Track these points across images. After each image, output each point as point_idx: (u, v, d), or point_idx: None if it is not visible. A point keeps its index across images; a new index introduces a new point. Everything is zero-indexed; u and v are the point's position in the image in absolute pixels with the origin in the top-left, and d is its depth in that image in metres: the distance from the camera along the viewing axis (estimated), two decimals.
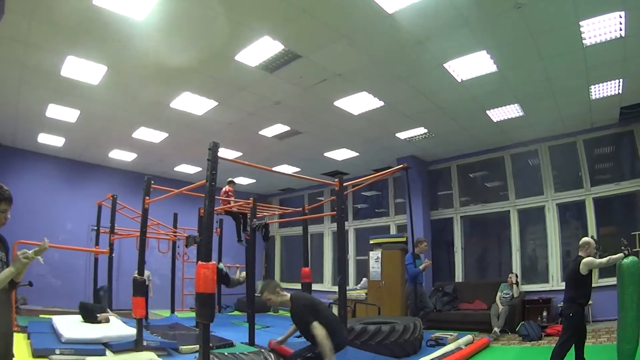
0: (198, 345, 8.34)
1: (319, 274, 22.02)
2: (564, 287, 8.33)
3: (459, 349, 10.38)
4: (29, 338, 10.20)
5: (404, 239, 16.56)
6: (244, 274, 15.99)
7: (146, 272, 14.55)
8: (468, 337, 11.49)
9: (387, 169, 15.32)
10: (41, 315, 13.30)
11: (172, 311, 17.06)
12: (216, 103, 12.68)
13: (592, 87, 11.56)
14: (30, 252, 4.21)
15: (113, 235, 14.51)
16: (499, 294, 13.69)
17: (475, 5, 8.15)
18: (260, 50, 9.74)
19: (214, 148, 7.90)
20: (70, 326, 10.88)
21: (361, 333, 10.02)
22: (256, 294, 11.91)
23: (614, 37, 9.00)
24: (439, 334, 11.94)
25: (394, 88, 11.78)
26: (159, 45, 9.55)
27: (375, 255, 16.78)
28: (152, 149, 16.99)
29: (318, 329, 6.54)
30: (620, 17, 8.36)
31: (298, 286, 13.50)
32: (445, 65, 10.40)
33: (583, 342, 7.94)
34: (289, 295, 6.90)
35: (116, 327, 11.28)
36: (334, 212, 11.35)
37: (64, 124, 14.16)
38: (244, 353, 9.25)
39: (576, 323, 7.75)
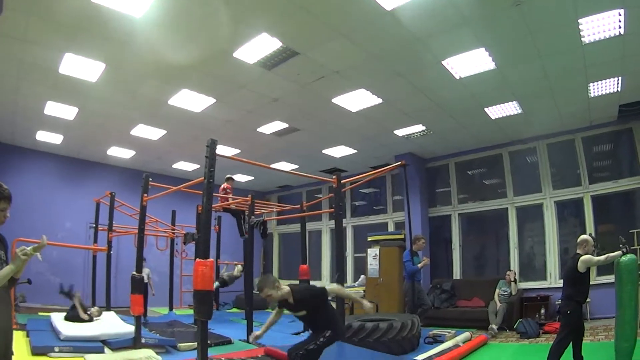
0: (196, 343, 8.37)
1: (317, 271, 22.04)
2: (561, 285, 8.36)
3: (456, 346, 10.40)
4: (28, 336, 10.24)
5: (402, 236, 16.61)
6: (239, 267, 16.04)
7: (146, 270, 14.63)
8: (466, 334, 11.49)
9: (385, 166, 15.29)
10: (40, 313, 13.31)
11: (171, 308, 17.07)
12: (214, 100, 12.67)
13: (591, 84, 11.57)
14: (29, 248, 4.25)
15: (111, 232, 14.50)
16: (497, 291, 13.69)
17: (474, 2, 8.16)
18: (258, 47, 9.74)
19: (212, 145, 7.89)
20: (69, 324, 10.90)
21: (359, 330, 10.03)
22: (254, 292, 11.89)
23: (613, 35, 9.01)
24: (436, 331, 11.96)
25: (392, 85, 11.78)
26: (157, 43, 9.55)
27: (373, 253, 16.80)
28: (151, 146, 17.00)
29: (333, 285, 7.03)
30: (620, 14, 8.36)
31: (296, 283, 13.53)
32: (443, 62, 10.40)
33: (581, 340, 7.94)
34: (287, 287, 6.58)
35: (114, 325, 11.28)
36: (332, 209, 11.34)
37: (62, 121, 14.17)
38: None
39: (574, 321, 7.75)
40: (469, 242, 17.93)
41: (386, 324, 10.06)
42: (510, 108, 13.12)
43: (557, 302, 12.11)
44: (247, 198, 13.25)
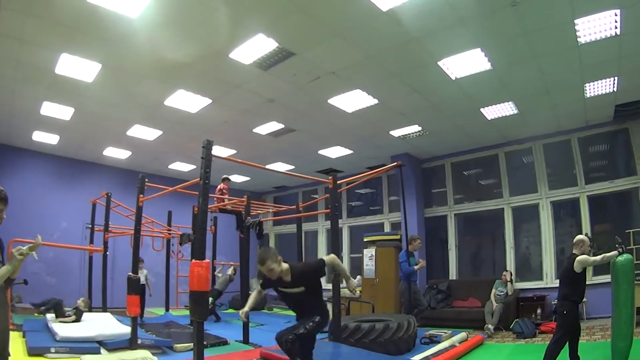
0: (192, 344, 8.36)
1: None
2: (558, 285, 8.34)
3: (453, 346, 10.39)
4: (24, 336, 10.23)
5: (398, 237, 16.57)
6: (230, 270, 16.05)
7: (144, 272, 14.65)
8: (462, 334, 11.48)
9: (381, 166, 15.26)
10: (36, 314, 13.29)
11: (167, 309, 17.11)
12: (210, 101, 12.68)
13: (587, 85, 11.59)
14: (24, 248, 4.29)
15: (107, 233, 14.50)
16: (493, 291, 13.67)
17: (470, 3, 8.16)
18: (254, 47, 9.75)
19: (208, 146, 7.90)
20: (65, 324, 10.90)
21: (355, 331, 10.02)
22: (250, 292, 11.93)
23: (609, 35, 9.03)
24: (433, 331, 11.92)
25: (388, 86, 11.79)
26: (153, 43, 9.56)
27: (369, 253, 16.79)
28: (147, 146, 17.00)
29: (330, 256, 6.74)
30: (616, 15, 8.37)
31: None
32: (439, 63, 10.42)
33: (577, 340, 7.95)
34: (286, 264, 6.46)
35: (111, 325, 11.27)
36: (328, 210, 11.34)
37: (58, 121, 14.16)
38: None
39: (570, 320, 7.75)
40: (465, 243, 17.98)
41: (382, 325, 10.04)
42: (506, 108, 13.14)
43: (553, 302, 12.14)
44: (243, 199, 13.25)
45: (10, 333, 4.68)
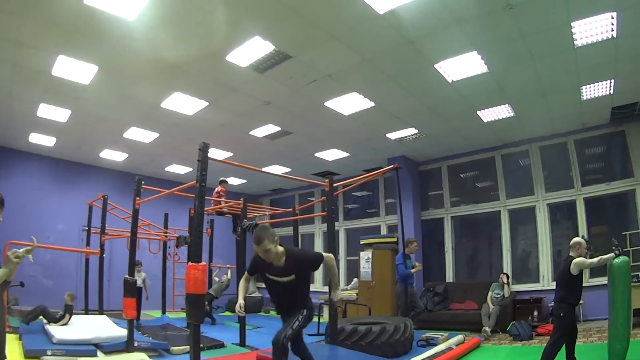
0: (189, 346, 8.36)
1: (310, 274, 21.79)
2: (554, 287, 8.36)
3: (449, 349, 10.37)
4: (20, 339, 10.23)
5: (395, 239, 16.56)
6: (224, 277, 16.07)
7: (142, 275, 14.68)
8: (459, 337, 11.47)
9: (377, 169, 15.33)
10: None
11: (163, 312, 17.13)
12: (207, 103, 12.69)
13: (584, 87, 11.60)
14: (20, 251, 4.30)
15: (104, 235, 14.51)
16: (489, 293, 13.69)
17: (466, 6, 8.16)
18: (251, 50, 9.76)
19: (204, 149, 7.93)
20: (61, 327, 10.90)
21: (352, 333, 10.04)
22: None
23: (605, 38, 9.04)
24: (429, 334, 11.96)
25: (384, 89, 11.81)
26: (150, 45, 9.55)
27: (366, 256, 16.79)
28: (143, 149, 17.00)
29: (331, 256, 6.35)
30: (612, 17, 8.38)
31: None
32: (436, 66, 10.43)
33: (574, 342, 7.97)
34: (281, 247, 5.96)
35: (107, 328, 11.27)
36: (325, 213, 11.34)
37: (55, 123, 14.15)
38: None
39: (567, 323, 7.76)
40: (461, 245, 17.96)
41: (379, 327, 10.07)
42: (502, 111, 13.16)
43: (550, 304, 12.14)
44: (240, 201, 13.25)
45: (6, 335, 4.69)
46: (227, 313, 19.65)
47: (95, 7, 8.06)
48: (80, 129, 14.98)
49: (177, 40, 9.41)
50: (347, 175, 18.77)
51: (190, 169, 19.62)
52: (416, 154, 17.66)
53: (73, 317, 11.95)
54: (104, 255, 14.76)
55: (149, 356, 9.30)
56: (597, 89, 11.71)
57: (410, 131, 14.98)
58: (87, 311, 14.65)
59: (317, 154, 17.72)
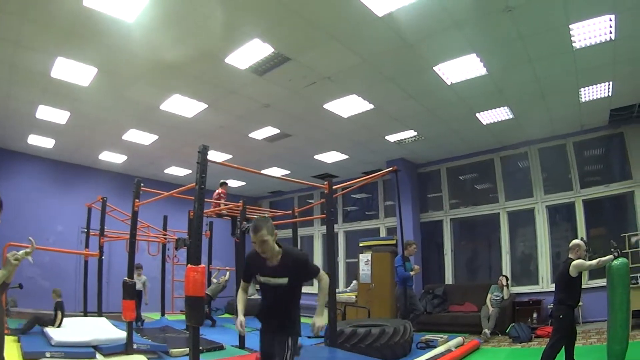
0: (188, 349, 8.36)
1: None
2: (554, 289, 8.38)
3: (449, 351, 10.40)
4: (19, 341, 10.21)
5: (394, 242, 16.59)
6: (222, 278, 16.08)
7: (142, 278, 14.68)
8: (458, 339, 11.48)
9: (377, 171, 15.34)
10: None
11: (163, 314, 17.13)
12: (206, 105, 12.69)
13: (582, 89, 11.60)
14: (20, 253, 4.30)
15: (103, 237, 14.49)
16: (489, 295, 13.71)
17: (465, 8, 8.17)
18: (250, 52, 9.77)
19: (204, 151, 7.93)
20: (60, 329, 10.89)
21: (351, 336, 10.04)
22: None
23: (603, 40, 9.04)
24: (429, 336, 11.94)
25: (383, 91, 11.82)
26: (149, 48, 9.56)
27: (365, 258, 16.80)
28: (142, 151, 17.01)
29: (327, 279, 5.74)
30: (611, 20, 8.38)
31: None
32: (435, 68, 10.43)
33: (573, 344, 7.98)
34: (279, 247, 5.47)
35: (106, 330, 11.26)
36: (324, 215, 11.34)
37: (54, 125, 14.16)
38: None
39: (566, 325, 7.78)
40: (460, 247, 17.97)
41: (378, 330, 10.07)
42: (501, 113, 13.17)
43: (549, 306, 12.14)
44: (239, 204, 13.24)
45: (5, 338, 4.69)
46: (227, 315, 19.62)
47: (95, 9, 8.06)
48: (80, 131, 14.99)
49: (176, 42, 9.41)
50: (346, 177, 18.90)
51: (189, 171, 19.60)
52: (415, 156, 17.66)
53: (72, 319, 11.95)
54: (103, 258, 14.73)
55: (148, 358, 9.37)
56: (596, 91, 11.71)
57: (410, 133, 14.99)
58: (86, 313, 14.65)
59: (316, 156, 17.73)
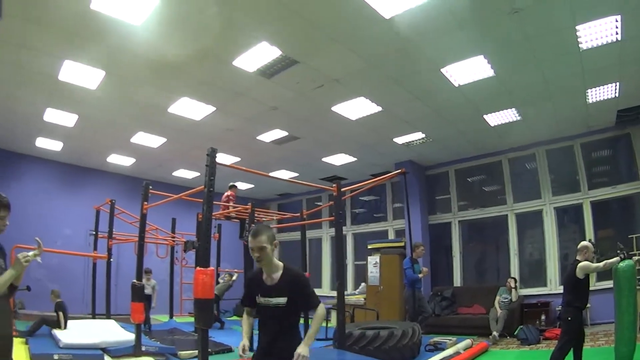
0: (196, 351, 8.37)
1: (318, 279, 22.25)
2: (562, 291, 8.36)
3: (457, 353, 10.39)
4: (27, 343, 10.23)
5: (403, 244, 16.58)
6: (227, 276, 16.07)
7: (152, 282, 14.70)
8: (467, 341, 11.48)
9: (385, 173, 15.31)
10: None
11: (171, 316, 17.17)
12: (214, 108, 12.73)
13: (589, 90, 11.59)
14: (30, 254, 4.32)
15: (111, 240, 14.53)
16: (497, 298, 13.66)
17: (471, 10, 8.18)
18: (258, 55, 9.80)
19: (212, 154, 7.92)
20: (68, 331, 10.90)
21: (360, 338, 10.01)
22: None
23: (610, 41, 9.04)
24: (437, 338, 11.91)
25: (391, 93, 11.83)
26: (156, 50, 9.58)
27: (373, 260, 16.77)
28: (151, 153, 17.07)
29: (324, 312, 5.08)
30: (616, 21, 8.38)
31: None
32: (442, 70, 10.44)
33: (581, 345, 7.97)
34: (279, 261, 5.14)
35: (114, 332, 11.27)
36: (333, 218, 11.32)
37: (62, 128, 14.22)
38: None
39: (575, 327, 7.77)
40: (469, 249, 17.94)
41: (387, 332, 10.05)
42: (509, 115, 13.15)
43: (557, 309, 12.14)
44: (247, 206, 13.24)
45: (13, 340, 4.71)
46: (235, 317, 19.62)
47: (102, 12, 8.09)
48: (88, 134, 15.04)
49: (184, 45, 9.43)
50: (355, 179, 18.85)
51: (197, 174, 19.67)
52: (423, 158, 17.67)
53: (80, 321, 11.98)
54: (112, 260, 14.77)
55: None
56: (603, 92, 11.70)
57: (418, 135, 15.00)
58: (94, 315, 14.67)
59: (324, 159, 17.76)
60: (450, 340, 11.58)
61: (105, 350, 9.81)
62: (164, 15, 8.30)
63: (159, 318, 16.97)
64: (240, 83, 11.19)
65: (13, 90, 11.63)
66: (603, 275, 12.30)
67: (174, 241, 17.45)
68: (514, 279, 14.28)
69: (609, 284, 10.26)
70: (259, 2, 8.06)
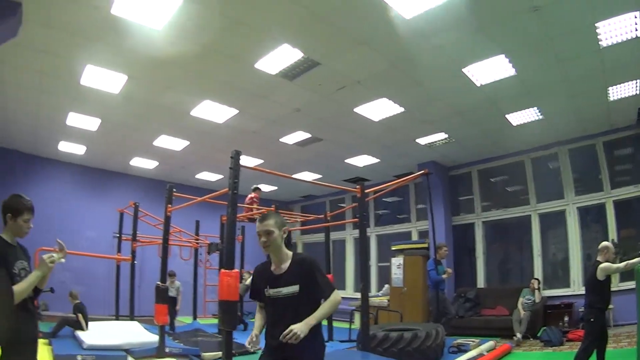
0: (220, 352, 8.41)
1: (341, 281, 22.23)
2: (584, 292, 8.32)
3: (480, 355, 10.37)
4: (50, 344, 10.30)
5: (426, 245, 16.51)
6: (245, 274, 16.11)
7: (177, 284, 14.78)
8: (490, 343, 11.49)
9: (408, 174, 15.29)
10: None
11: (195, 318, 17.27)
12: (237, 111, 12.79)
13: (610, 88, 11.51)
14: (55, 256, 4.37)
15: (135, 242, 14.64)
16: (520, 299, 13.60)
17: (492, 9, 8.20)
18: (279, 58, 9.84)
19: (236, 156, 7.95)
20: (92, 332, 10.96)
21: (383, 340, 10.00)
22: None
23: (630, 38, 8.98)
24: (461, 340, 11.90)
25: (413, 94, 11.84)
26: (178, 54, 9.65)
27: (397, 262, 16.71)
28: (174, 156, 17.19)
29: (339, 298, 4.51)
30: (636, 17, 8.34)
31: None
32: (464, 70, 10.43)
33: (604, 347, 7.92)
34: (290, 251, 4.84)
35: (138, 334, 11.33)
36: (356, 219, 11.32)
37: (84, 132, 14.34)
38: None
39: (597, 328, 7.73)
40: (492, 250, 17.87)
41: (410, 334, 10.02)
42: (530, 114, 13.11)
43: (580, 310, 12.08)
44: (271, 208, 13.25)
45: (39, 341, 4.78)
46: None
47: (122, 17, 8.17)
48: (111, 137, 15.18)
49: (206, 49, 9.49)
50: (378, 181, 18.84)
51: (221, 176, 19.80)
52: (446, 159, 17.65)
53: (104, 322, 12.06)
54: (135, 262, 14.90)
55: None
56: (624, 90, 11.61)
57: (440, 136, 14.99)
58: (117, 317, 14.77)
59: (347, 160, 17.78)
60: (473, 342, 11.56)
61: (128, 351, 9.88)
62: (184, 19, 8.36)
63: (182, 320, 17.07)
64: (262, 85, 11.23)
65: (36, 95, 11.74)
66: (626, 275, 12.20)
67: (197, 243, 17.58)
68: (537, 279, 14.18)
69: (632, 284, 10.20)
70: (280, 5, 8.10)
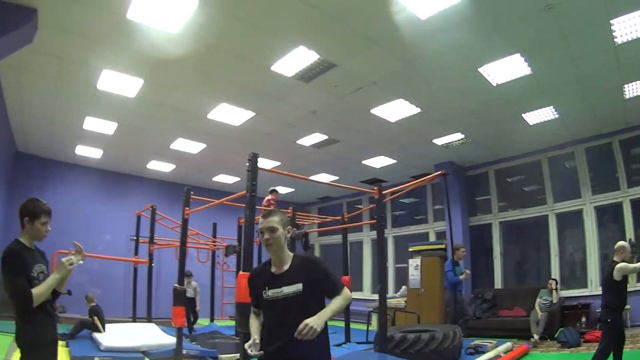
0: (237, 354, 8.42)
1: (359, 282, 22.15)
2: (601, 292, 8.29)
3: (498, 356, 10.35)
4: (67, 346, 10.36)
5: (443, 246, 16.42)
6: None
7: (193, 284, 14.82)
8: (507, 344, 11.45)
9: (424, 175, 15.29)
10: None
11: (212, 320, 17.34)
12: (253, 113, 12.82)
13: (626, 86, 11.45)
14: (73, 258, 4.42)
15: (152, 245, 14.70)
16: (538, 300, 13.57)
17: (506, 8, 8.20)
18: (295, 60, 9.86)
19: (254, 159, 7.95)
20: (109, 334, 11.01)
21: (401, 341, 10.00)
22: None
23: None
24: (478, 341, 11.84)
25: (429, 94, 11.84)
26: (194, 57, 9.71)
27: (414, 263, 16.66)
28: (191, 159, 17.24)
29: (349, 295, 4.25)
30: None
31: None
32: (480, 69, 10.42)
33: (621, 348, 7.88)
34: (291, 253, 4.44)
35: (155, 336, 11.37)
36: (374, 221, 11.30)
37: (101, 136, 14.44)
38: None
39: (614, 329, 7.71)
40: (509, 251, 17.78)
41: (428, 335, 10.03)
42: (547, 113, 13.06)
43: (597, 310, 12.00)
44: (288, 210, 13.27)
45: (58, 343, 4.84)
46: None
47: (138, 22, 8.22)
48: (127, 141, 15.28)
49: (221, 52, 9.55)
50: (395, 182, 18.89)
51: (238, 179, 19.79)
52: (463, 159, 17.62)
53: (121, 325, 12.10)
54: (153, 265, 14.99)
55: None
56: None
57: (457, 136, 14.97)
58: (135, 319, 14.83)
59: (364, 162, 17.79)
60: (490, 343, 11.54)
61: (145, 353, 9.93)
62: (200, 23, 8.41)
63: (200, 322, 17.10)
64: (278, 88, 11.26)
65: (52, 99, 11.82)
66: None
67: (215, 246, 17.62)
68: (555, 280, 14.11)
69: None
70: (295, 7, 8.12)
